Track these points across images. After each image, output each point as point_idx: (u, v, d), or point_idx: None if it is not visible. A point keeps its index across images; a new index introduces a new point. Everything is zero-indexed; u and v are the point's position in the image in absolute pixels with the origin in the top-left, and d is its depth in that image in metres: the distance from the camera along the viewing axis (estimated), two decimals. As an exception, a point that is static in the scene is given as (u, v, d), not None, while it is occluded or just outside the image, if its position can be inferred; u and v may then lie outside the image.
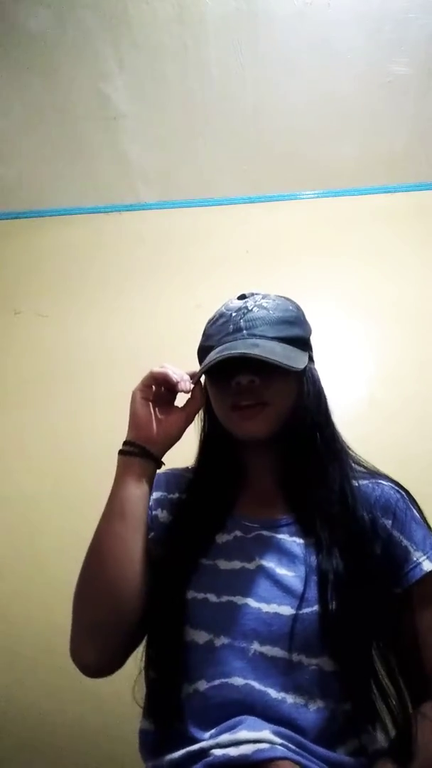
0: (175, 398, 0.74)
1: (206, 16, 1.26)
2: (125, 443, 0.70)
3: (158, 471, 0.73)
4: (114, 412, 1.50)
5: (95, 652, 0.64)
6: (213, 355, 0.66)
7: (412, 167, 1.68)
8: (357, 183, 1.73)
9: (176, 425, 0.71)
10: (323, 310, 1.56)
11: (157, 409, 0.71)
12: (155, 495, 0.75)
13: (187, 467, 0.80)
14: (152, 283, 1.69)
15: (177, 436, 0.71)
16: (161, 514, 0.74)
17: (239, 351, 0.64)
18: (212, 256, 1.70)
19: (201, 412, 0.80)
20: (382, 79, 1.40)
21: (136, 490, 0.66)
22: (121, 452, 0.69)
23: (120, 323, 1.64)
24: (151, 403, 0.71)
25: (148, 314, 1.64)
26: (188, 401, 0.73)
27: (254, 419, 0.67)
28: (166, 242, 1.74)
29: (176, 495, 0.76)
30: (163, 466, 0.73)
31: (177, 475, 0.79)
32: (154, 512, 0.73)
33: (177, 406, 0.73)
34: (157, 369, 0.70)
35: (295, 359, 0.66)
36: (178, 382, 0.69)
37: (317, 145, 1.59)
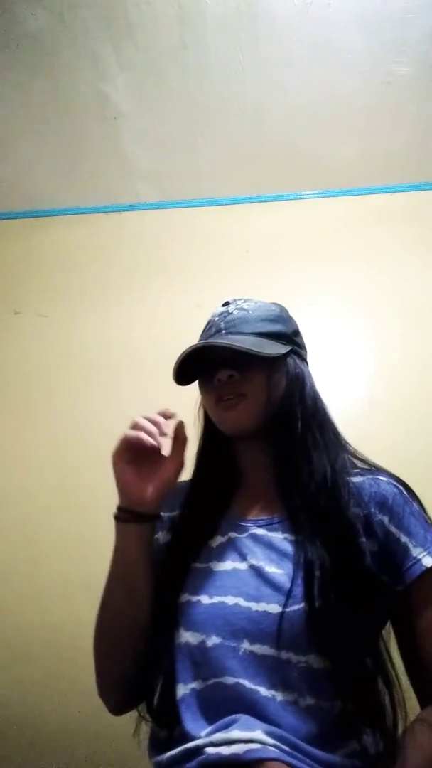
0: (159, 449, 0.69)
1: (206, 16, 1.26)
2: (119, 509, 0.68)
3: None
4: (114, 412, 1.51)
5: (116, 697, 0.70)
6: (182, 355, 0.71)
7: (412, 167, 1.68)
8: (357, 183, 1.73)
9: (166, 477, 0.69)
10: (323, 310, 1.56)
11: (142, 467, 0.68)
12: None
13: (188, 480, 0.80)
14: (152, 283, 1.69)
15: (171, 485, 0.70)
16: (162, 536, 0.75)
17: (204, 341, 0.70)
18: (212, 256, 1.70)
19: (199, 416, 0.81)
20: (382, 79, 1.41)
21: (136, 554, 0.67)
22: (116, 518, 0.68)
23: (120, 323, 1.64)
24: (134, 465, 0.68)
25: (148, 314, 1.64)
26: (174, 445, 0.71)
27: (234, 410, 0.69)
28: (166, 242, 1.74)
29: (176, 512, 0.77)
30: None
31: (179, 488, 0.78)
32: (155, 536, 0.74)
33: (163, 455, 0.71)
34: (129, 432, 0.66)
35: (267, 347, 0.69)
36: (152, 444, 0.65)
37: (317, 145, 1.59)
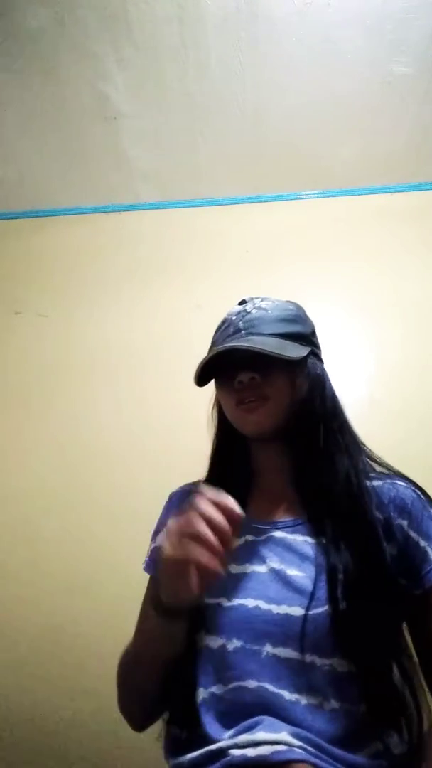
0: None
1: (206, 16, 1.26)
2: (162, 607, 0.57)
3: (172, 491, 0.79)
4: (114, 412, 1.52)
5: (139, 717, 0.70)
6: (207, 358, 0.69)
7: (412, 167, 1.68)
8: (357, 183, 1.72)
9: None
10: (323, 310, 1.55)
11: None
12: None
13: (200, 481, 0.80)
14: (152, 283, 1.69)
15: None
16: None
17: (229, 345, 0.68)
18: (212, 257, 1.70)
19: (213, 417, 0.81)
20: (382, 79, 1.40)
21: (180, 635, 0.62)
22: (159, 613, 0.59)
23: (120, 323, 1.64)
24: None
25: (148, 314, 1.63)
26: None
27: (256, 412, 0.69)
28: (166, 242, 1.74)
29: None
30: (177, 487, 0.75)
31: (189, 492, 0.79)
32: None
33: None
34: (192, 551, 0.51)
35: (289, 350, 0.68)
36: (218, 572, 0.52)
37: (317, 145, 1.59)
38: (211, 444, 0.81)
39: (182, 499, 0.78)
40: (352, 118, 1.51)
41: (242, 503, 0.72)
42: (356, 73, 1.39)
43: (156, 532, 0.79)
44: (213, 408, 0.81)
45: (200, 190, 1.74)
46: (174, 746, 0.62)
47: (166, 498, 0.85)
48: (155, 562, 0.74)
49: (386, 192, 1.74)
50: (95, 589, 1.29)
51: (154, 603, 0.59)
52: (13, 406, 1.57)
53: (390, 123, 1.53)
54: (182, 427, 1.38)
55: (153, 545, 0.78)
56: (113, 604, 1.22)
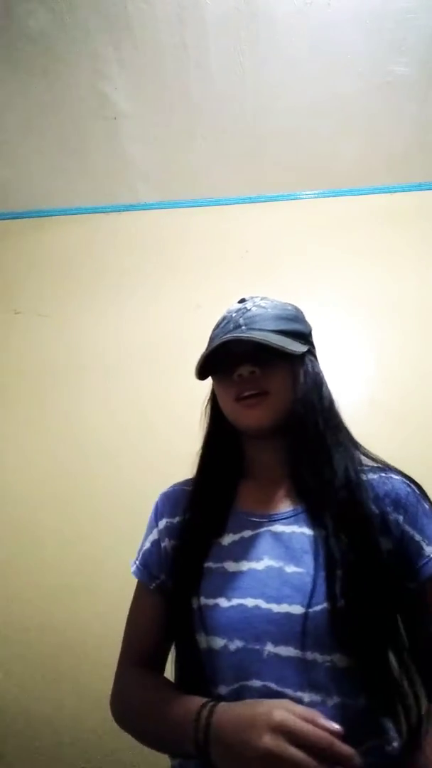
0: None
1: (206, 16, 1.26)
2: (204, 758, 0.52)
3: (162, 492, 0.78)
4: (113, 412, 1.51)
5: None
6: (210, 348, 0.69)
7: (412, 167, 1.68)
8: (357, 183, 1.72)
9: None
10: (323, 311, 1.56)
11: None
12: (161, 524, 0.75)
13: (188, 480, 0.80)
14: (152, 283, 1.69)
15: None
16: (169, 544, 0.73)
17: (231, 335, 0.68)
18: (212, 256, 1.70)
19: (206, 411, 0.81)
20: (382, 79, 1.40)
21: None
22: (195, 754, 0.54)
23: (120, 323, 1.64)
24: None
25: (147, 314, 1.63)
26: None
27: (257, 407, 0.69)
28: (166, 242, 1.74)
29: (180, 517, 0.75)
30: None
31: (178, 492, 0.79)
32: (163, 544, 0.73)
33: None
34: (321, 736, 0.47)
35: (290, 345, 0.69)
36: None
37: (317, 145, 1.59)
38: (202, 438, 0.80)
39: (172, 499, 0.78)
40: (352, 118, 1.51)
41: (232, 498, 0.72)
42: (356, 73, 1.39)
43: (147, 534, 0.78)
44: (206, 404, 0.81)
45: (200, 191, 1.74)
46: None
47: None
48: (146, 568, 0.74)
49: (386, 192, 1.74)
50: (95, 590, 1.29)
51: (197, 747, 0.52)
52: (13, 406, 1.57)
53: (390, 123, 1.53)
54: (182, 427, 1.37)
55: (143, 548, 0.76)
56: (113, 604, 1.22)
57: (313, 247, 1.69)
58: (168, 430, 1.41)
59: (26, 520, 1.43)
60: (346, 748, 0.48)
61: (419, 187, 1.73)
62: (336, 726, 0.49)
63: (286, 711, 0.50)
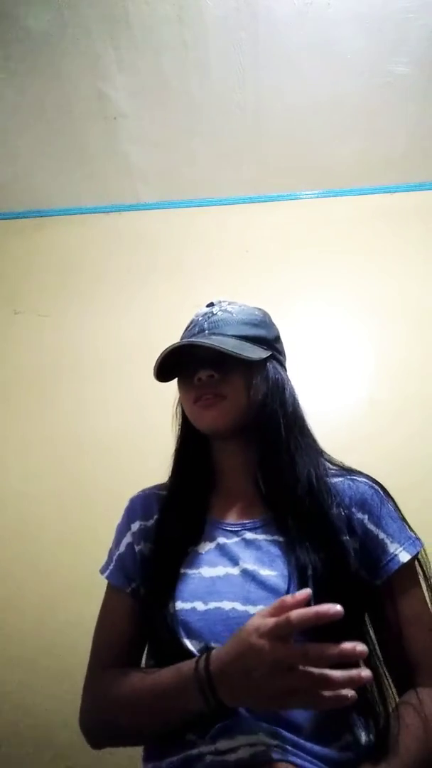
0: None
1: (206, 15, 1.26)
2: (216, 703, 0.53)
3: (133, 496, 0.79)
4: (114, 411, 1.51)
5: (99, 744, 0.68)
6: (165, 352, 0.72)
7: (412, 167, 1.68)
8: (357, 183, 1.73)
9: None
10: (323, 310, 1.56)
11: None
12: (134, 527, 0.76)
13: (160, 484, 0.81)
14: (152, 283, 1.69)
15: None
16: (145, 546, 0.73)
17: (187, 340, 0.71)
18: (212, 256, 1.70)
19: (176, 415, 0.83)
20: (382, 79, 1.40)
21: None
22: (205, 707, 0.54)
23: (120, 323, 1.64)
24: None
25: (147, 314, 1.63)
26: None
27: (212, 408, 0.70)
28: (166, 242, 1.74)
29: (153, 520, 0.76)
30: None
31: (150, 495, 0.79)
32: (137, 548, 0.73)
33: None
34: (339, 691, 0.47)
35: (248, 351, 0.70)
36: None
37: (317, 145, 1.59)
38: (175, 441, 0.81)
39: (143, 504, 0.78)
40: (352, 118, 1.51)
41: (206, 506, 0.73)
42: (356, 73, 1.39)
43: (119, 538, 0.77)
44: (177, 406, 0.82)
45: (200, 191, 1.74)
46: (152, 749, 0.62)
47: None
48: (122, 571, 0.73)
49: (386, 192, 1.74)
50: (95, 590, 1.29)
51: (205, 697, 0.53)
52: (13, 406, 1.57)
53: (390, 123, 1.53)
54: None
55: (117, 552, 0.75)
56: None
57: (313, 247, 1.69)
58: (168, 430, 1.41)
59: (26, 519, 1.43)
60: (327, 607, 0.48)
61: (419, 187, 1.73)
62: (302, 593, 0.50)
63: (261, 618, 0.51)
